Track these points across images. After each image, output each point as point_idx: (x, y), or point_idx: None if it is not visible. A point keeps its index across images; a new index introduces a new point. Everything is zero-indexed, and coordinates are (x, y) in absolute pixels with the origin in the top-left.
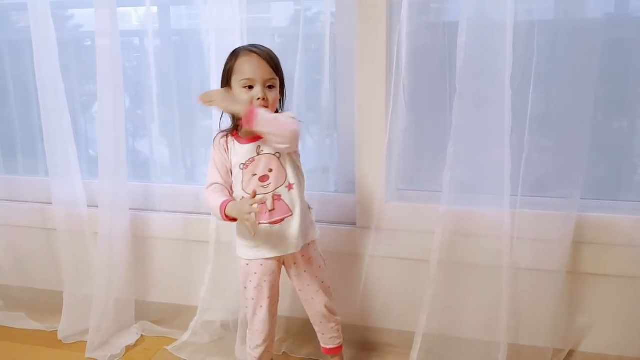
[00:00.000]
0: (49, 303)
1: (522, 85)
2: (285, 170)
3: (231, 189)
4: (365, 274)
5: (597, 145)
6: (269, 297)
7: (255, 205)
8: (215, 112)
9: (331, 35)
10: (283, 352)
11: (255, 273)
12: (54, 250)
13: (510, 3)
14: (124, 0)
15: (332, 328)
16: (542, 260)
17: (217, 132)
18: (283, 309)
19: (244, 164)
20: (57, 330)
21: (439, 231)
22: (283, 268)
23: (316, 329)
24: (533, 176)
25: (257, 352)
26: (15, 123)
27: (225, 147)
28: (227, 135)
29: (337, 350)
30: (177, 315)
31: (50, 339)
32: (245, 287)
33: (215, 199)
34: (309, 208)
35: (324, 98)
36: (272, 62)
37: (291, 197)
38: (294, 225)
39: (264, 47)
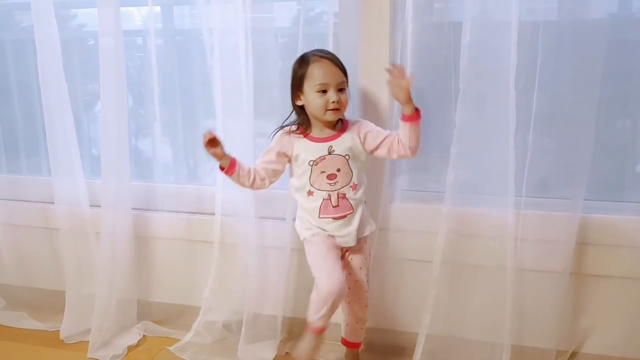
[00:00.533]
0: (51, 303)
1: (527, 85)
2: (352, 172)
3: (259, 175)
4: (369, 275)
5: (600, 146)
6: (334, 258)
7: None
8: (220, 112)
9: (334, 36)
10: (286, 353)
11: (319, 240)
12: (57, 249)
13: (515, 3)
14: (127, 0)
15: (358, 323)
16: (545, 261)
17: (279, 128)
18: (286, 309)
19: (314, 161)
20: (59, 330)
21: (442, 232)
22: None
23: (345, 318)
24: (537, 177)
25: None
26: (18, 122)
27: (289, 144)
28: (294, 134)
29: (351, 345)
30: (179, 315)
31: (52, 339)
32: (313, 254)
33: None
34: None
35: None
36: (342, 66)
37: (354, 197)
38: (354, 222)
39: (329, 51)
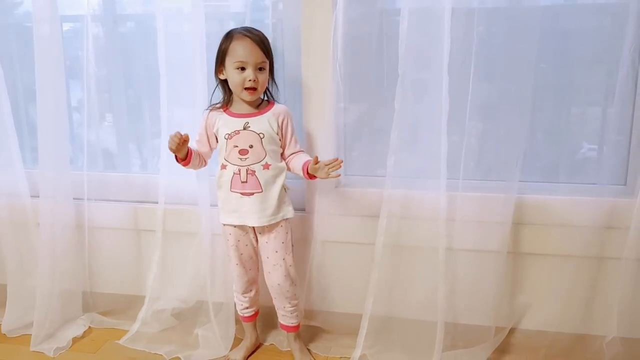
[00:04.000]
0: None
1: (463, 71)
2: (265, 151)
3: (202, 156)
4: (314, 258)
5: (535, 130)
6: (240, 255)
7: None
8: (165, 100)
9: (279, 21)
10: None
11: (230, 233)
12: None
13: None
14: None
15: (285, 308)
16: (484, 241)
17: (208, 106)
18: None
19: (229, 135)
20: (0, 324)
21: (384, 215)
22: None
23: (274, 303)
24: (474, 160)
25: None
26: None
27: (213, 120)
28: (217, 109)
29: (289, 329)
30: (127, 306)
31: None
32: (225, 245)
33: None
34: (285, 189)
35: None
36: (264, 46)
37: (265, 176)
38: (263, 202)
39: (256, 30)
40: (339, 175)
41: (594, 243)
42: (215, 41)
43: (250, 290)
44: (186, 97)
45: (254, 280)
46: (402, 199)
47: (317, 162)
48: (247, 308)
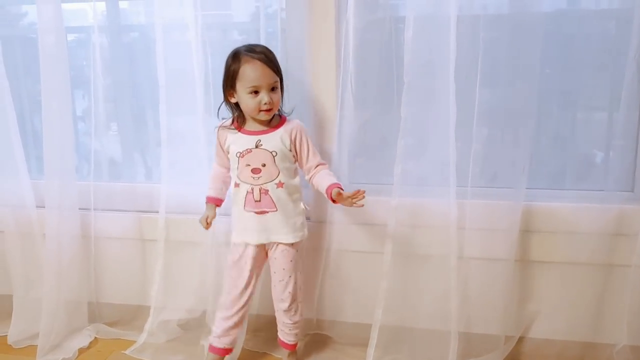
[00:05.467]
0: None
1: (469, 78)
2: (278, 170)
3: (228, 170)
4: (322, 267)
5: (542, 136)
6: (246, 279)
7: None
8: (164, 109)
9: (282, 31)
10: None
11: (239, 255)
12: (2, 252)
13: None
14: None
15: (285, 323)
16: (491, 249)
17: (219, 123)
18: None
19: (241, 153)
20: (7, 335)
21: (392, 223)
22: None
23: (276, 315)
24: (481, 167)
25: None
26: None
27: (224, 137)
28: (228, 127)
29: (286, 346)
30: (133, 316)
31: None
32: (231, 263)
33: (208, 186)
34: (304, 209)
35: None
36: (274, 65)
37: (279, 195)
38: (277, 220)
39: (261, 47)
40: (362, 205)
41: (602, 250)
42: (218, 50)
43: (236, 314)
44: (186, 106)
45: (245, 305)
46: (411, 207)
47: (340, 194)
48: (221, 337)
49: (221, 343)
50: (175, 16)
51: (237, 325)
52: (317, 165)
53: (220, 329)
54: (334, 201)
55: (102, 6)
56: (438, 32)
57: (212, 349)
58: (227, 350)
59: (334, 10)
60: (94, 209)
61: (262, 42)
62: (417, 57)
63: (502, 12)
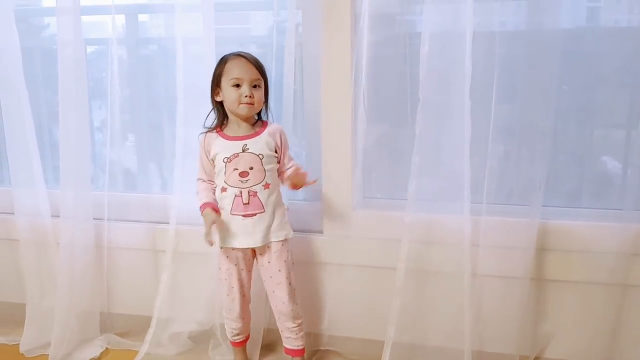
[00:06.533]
0: (12, 315)
1: (485, 95)
2: (265, 171)
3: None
4: (333, 282)
5: (558, 154)
6: (238, 280)
7: (209, 240)
8: (182, 122)
9: (298, 45)
10: None
11: (227, 257)
12: (17, 261)
13: (470, 14)
14: (90, 9)
15: (290, 329)
16: (507, 267)
17: (201, 131)
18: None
19: (228, 158)
20: (19, 344)
21: (405, 240)
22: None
23: (278, 325)
24: (497, 184)
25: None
26: None
27: (208, 144)
28: (210, 133)
29: (295, 353)
30: (145, 327)
31: (11, 352)
32: (220, 269)
33: (199, 198)
34: (286, 208)
35: (291, 107)
36: (258, 65)
37: (266, 196)
38: (265, 221)
39: (248, 52)
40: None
41: (619, 270)
42: None
43: (243, 317)
44: (201, 119)
45: (247, 305)
46: (425, 224)
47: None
48: (238, 334)
49: (239, 338)
50: (193, 29)
51: (247, 321)
52: (291, 167)
53: (234, 332)
54: (294, 186)
55: (121, 19)
56: (454, 48)
57: (237, 344)
58: (248, 337)
59: (350, 25)
60: (108, 219)
61: (278, 56)
62: (433, 72)
63: (520, 29)
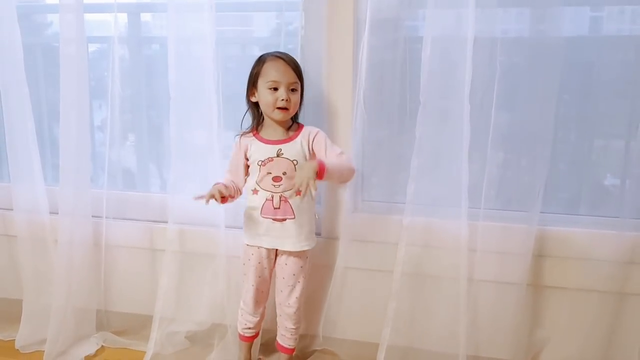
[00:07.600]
0: (8, 312)
1: (485, 100)
2: None
3: (236, 185)
4: (331, 284)
5: (557, 161)
6: (260, 277)
7: (207, 198)
8: (175, 122)
9: (300, 48)
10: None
11: (252, 254)
12: (15, 257)
13: (473, 20)
14: (93, 7)
15: (288, 329)
16: (504, 272)
17: (239, 132)
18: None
19: (262, 162)
20: (14, 340)
21: (403, 243)
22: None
23: (277, 321)
24: (496, 190)
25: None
26: None
27: (245, 146)
28: (247, 135)
29: (285, 350)
30: (141, 326)
31: (7, 348)
32: (244, 264)
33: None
34: (316, 216)
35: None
36: (296, 68)
37: (297, 202)
38: (294, 228)
39: (287, 53)
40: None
41: (616, 278)
42: (238, 65)
43: (259, 313)
44: (201, 119)
45: (264, 302)
46: (422, 227)
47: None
48: (250, 328)
49: (249, 332)
50: (195, 29)
51: (262, 317)
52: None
53: (247, 325)
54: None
55: (124, 18)
56: (455, 53)
57: (245, 338)
58: (257, 334)
59: (352, 29)
60: (106, 217)
61: None
62: (434, 77)
63: (522, 36)
